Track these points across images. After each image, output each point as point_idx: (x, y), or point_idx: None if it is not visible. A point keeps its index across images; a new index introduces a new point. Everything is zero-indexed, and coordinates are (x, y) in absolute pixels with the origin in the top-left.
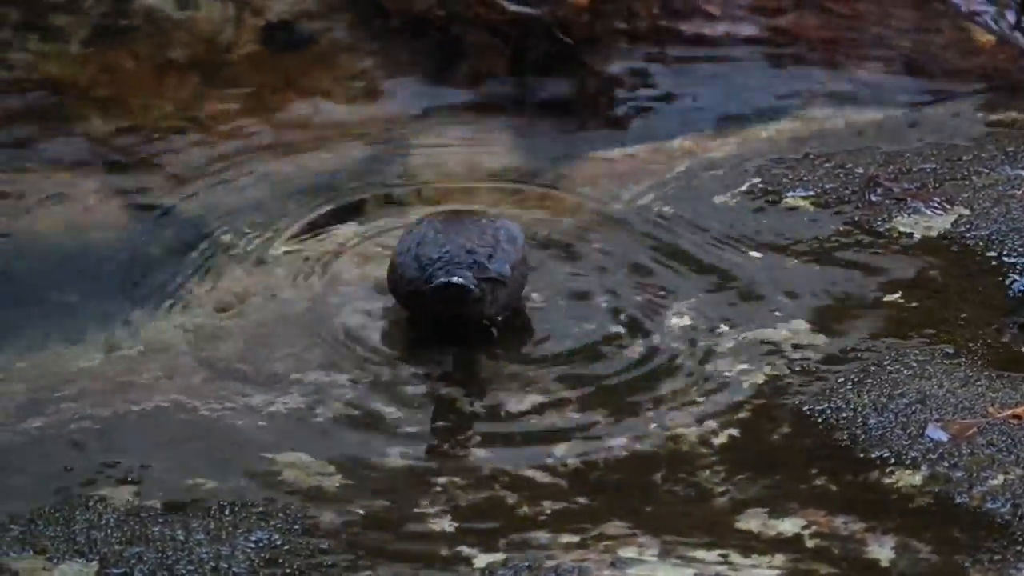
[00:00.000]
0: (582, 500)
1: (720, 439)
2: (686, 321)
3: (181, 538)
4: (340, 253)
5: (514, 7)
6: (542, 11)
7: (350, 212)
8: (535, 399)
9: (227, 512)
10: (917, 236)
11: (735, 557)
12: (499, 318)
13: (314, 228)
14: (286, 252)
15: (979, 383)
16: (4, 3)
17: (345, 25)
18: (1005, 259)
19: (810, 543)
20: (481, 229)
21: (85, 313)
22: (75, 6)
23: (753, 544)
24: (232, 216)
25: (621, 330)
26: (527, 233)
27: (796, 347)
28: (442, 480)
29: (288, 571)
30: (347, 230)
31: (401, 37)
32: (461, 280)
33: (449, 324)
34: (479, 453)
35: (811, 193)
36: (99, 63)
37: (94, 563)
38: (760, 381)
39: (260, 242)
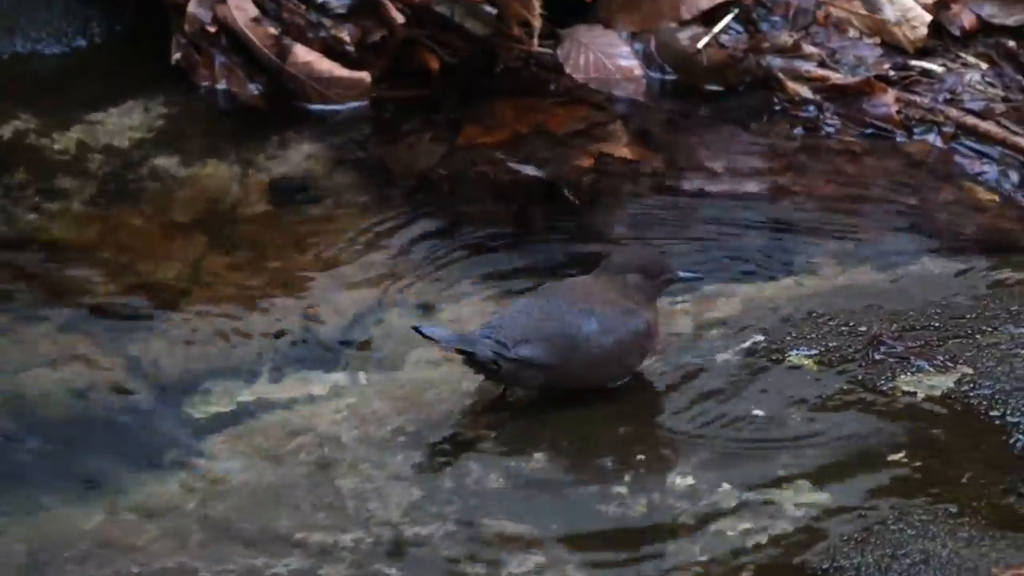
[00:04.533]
0: None
1: None
2: (689, 480)
3: None
4: (342, 412)
5: (518, 166)
6: (546, 171)
7: (348, 373)
8: (537, 559)
9: None
10: (921, 395)
11: None
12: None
13: (314, 387)
14: (288, 411)
15: (983, 543)
16: (10, 164)
17: (350, 183)
18: (1009, 418)
19: None
20: (559, 314)
21: (87, 475)
22: (81, 166)
23: None
24: (234, 375)
25: (623, 489)
26: None
27: (799, 506)
28: None
29: None
30: (344, 392)
31: (406, 195)
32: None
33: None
34: None
35: (814, 351)
36: (105, 222)
37: None
38: (763, 541)
39: (264, 399)
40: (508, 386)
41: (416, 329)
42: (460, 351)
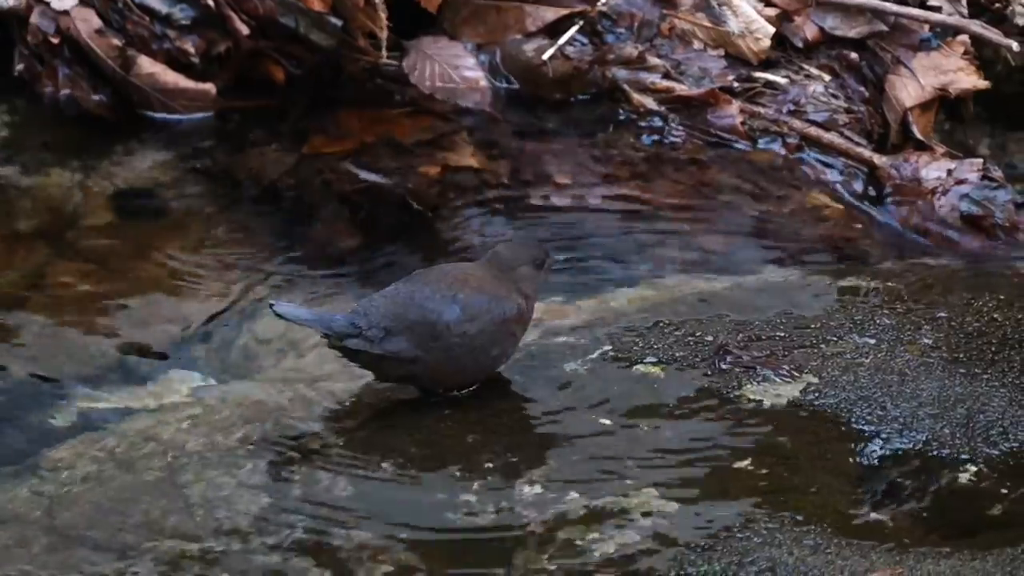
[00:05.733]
0: None
1: None
2: (537, 488)
3: None
4: (190, 420)
5: (365, 175)
6: (393, 181)
7: (195, 380)
8: (386, 568)
9: None
10: (767, 404)
11: None
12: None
13: (161, 395)
14: (136, 419)
15: (828, 551)
16: None
17: (196, 193)
18: (854, 427)
19: None
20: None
21: None
22: None
23: None
24: (81, 382)
25: (472, 498)
26: None
27: (646, 515)
28: None
29: None
30: (192, 400)
31: (253, 205)
32: (274, 306)
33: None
34: None
35: (662, 361)
36: None
37: None
38: (611, 549)
39: (111, 407)
40: (376, 376)
41: (271, 307)
42: (324, 334)
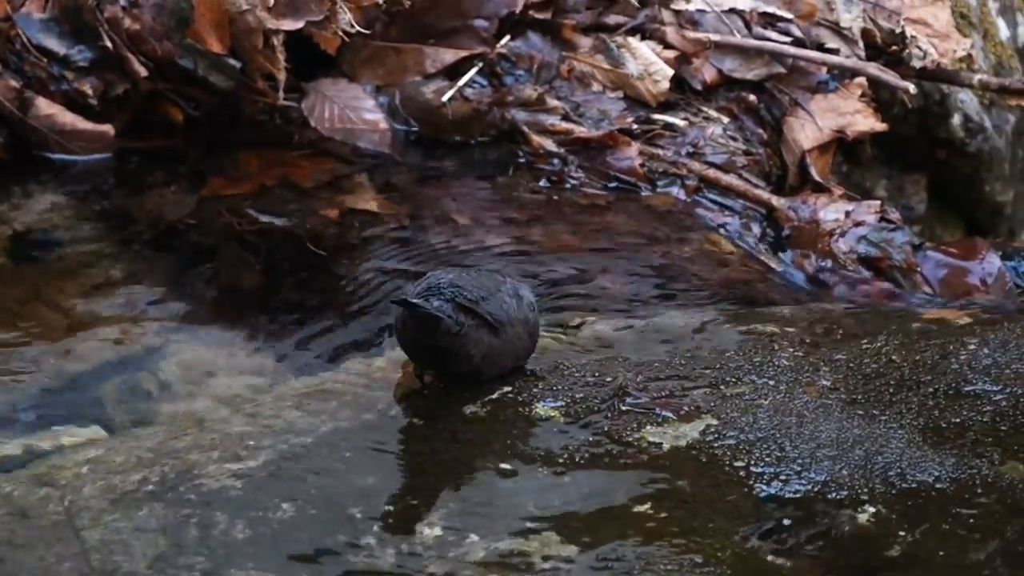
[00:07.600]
0: None
1: None
2: (437, 531)
3: None
4: (87, 464)
5: (264, 218)
6: (292, 223)
7: (93, 424)
8: None
9: None
10: (666, 446)
11: None
12: (484, 372)
13: (57, 440)
14: (32, 464)
15: None
16: None
17: (94, 235)
18: (753, 468)
19: None
20: (487, 278)
21: None
22: None
23: None
24: None
25: (372, 540)
26: None
27: (546, 558)
28: None
29: None
30: (89, 444)
31: (151, 247)
32: (415, 301)
33: (431, 363)
34: None
35: (561, 403)
36: None
37: None
38: None
39: (6, 453)
40: (442, 365)
41: (403, 302)
42: (427, 315)
